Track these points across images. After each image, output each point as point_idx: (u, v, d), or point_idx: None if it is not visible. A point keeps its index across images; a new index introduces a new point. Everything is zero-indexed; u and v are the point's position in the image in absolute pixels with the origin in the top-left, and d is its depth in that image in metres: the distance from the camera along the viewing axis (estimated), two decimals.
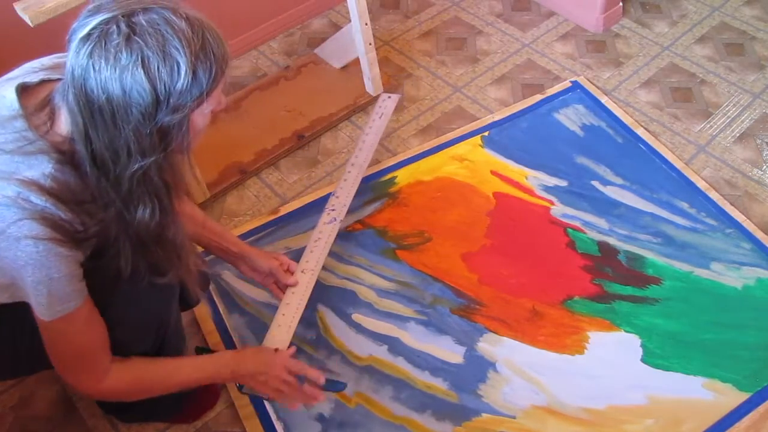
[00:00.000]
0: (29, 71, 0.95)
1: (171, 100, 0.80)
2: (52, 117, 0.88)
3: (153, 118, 0.80)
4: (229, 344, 1.48)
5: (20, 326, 1.00)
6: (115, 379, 1.02)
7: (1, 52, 1.62)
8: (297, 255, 1.64)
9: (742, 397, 1.38)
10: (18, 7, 1.29)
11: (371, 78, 1.97)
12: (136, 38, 0.77)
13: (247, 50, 2.21)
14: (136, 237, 0.91)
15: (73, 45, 0.79)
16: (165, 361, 1.11)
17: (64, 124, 0.88)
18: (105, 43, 0.77)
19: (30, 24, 1.29)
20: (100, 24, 0.78)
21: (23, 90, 0.91)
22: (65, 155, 0.87)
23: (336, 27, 2.27)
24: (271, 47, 2.23)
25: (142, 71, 0.77)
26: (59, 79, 0.90)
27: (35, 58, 0.99)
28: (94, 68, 0.78)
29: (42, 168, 0.86)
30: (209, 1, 2.02)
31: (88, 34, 0.78)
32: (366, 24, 1.84)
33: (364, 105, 2.01)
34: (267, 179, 1.84)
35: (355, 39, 1.90)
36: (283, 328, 1.34)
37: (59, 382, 1.45)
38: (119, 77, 0.77)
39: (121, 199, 0.87)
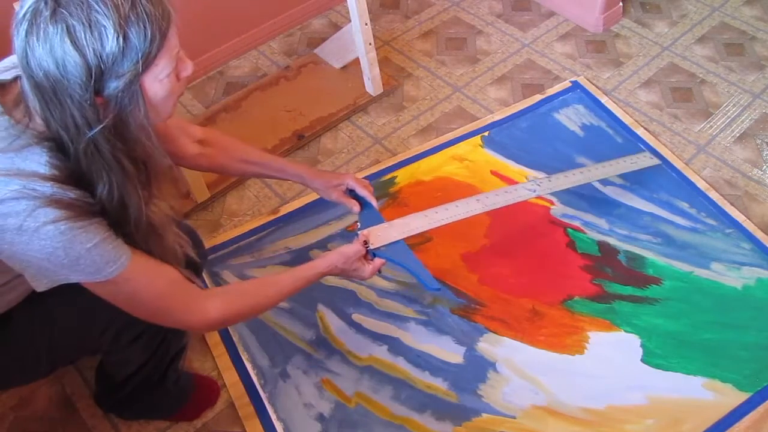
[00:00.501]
0: (2, 69, 0.95)
1: (104, 67, 0.78)
2: (29, 110, 0.88)
3: (90, 87, 0.79)
4: (230, 344, 1.48)
5: (38, 325, 1.00)
6: (216, 310, 1.03)
7: (1, 53, 1.62)
8: (297, 255, 1.64)
9: (742, 397, 1.38)
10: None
11: (371, 78, 1.97)
12: (61, 10, 0.76)
13: (247, 50, 2.21)
14: (110, 214, 0.91)
15: (14, 29, 0.80)
16: (258, 281, 1.15)
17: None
18: (35, 21, 0.77)
19: None
20: (32, 4, 0.78)
21: (0, 88, 0.91)
22: (53, 141, 0.87)
23: (336, 27, 2.27)
24: (271, 47, 2.23)
25: (68, 42, 0.76)
26: None
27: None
28: (29, 47, 0.78)
29: (37, 158, 0.86)
30: (209, 1, 2.03)
31: (23, 15, 0.78)
32: (366, 24, 1.84)
33: (364, 105, 2.01)
34: (267, 179, 1.84)
35: (355, 39, 1.90)
36: (399, 227, 1.32)
37: (59, 382, 1.45)
38: (50, 52, 0.77)
39: (87, 176, 0.87)
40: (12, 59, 0.98)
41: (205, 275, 1.60)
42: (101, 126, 0.82)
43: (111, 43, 0.77)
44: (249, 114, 1.98)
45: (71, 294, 0.93)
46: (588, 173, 1.66)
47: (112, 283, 0.91)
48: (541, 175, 1.80)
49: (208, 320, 1.03)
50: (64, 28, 0.76)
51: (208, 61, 2.11)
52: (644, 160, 1.80)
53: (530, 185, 1.55)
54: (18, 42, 0.79)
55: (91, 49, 0.77)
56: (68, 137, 0.83)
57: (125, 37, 0.78)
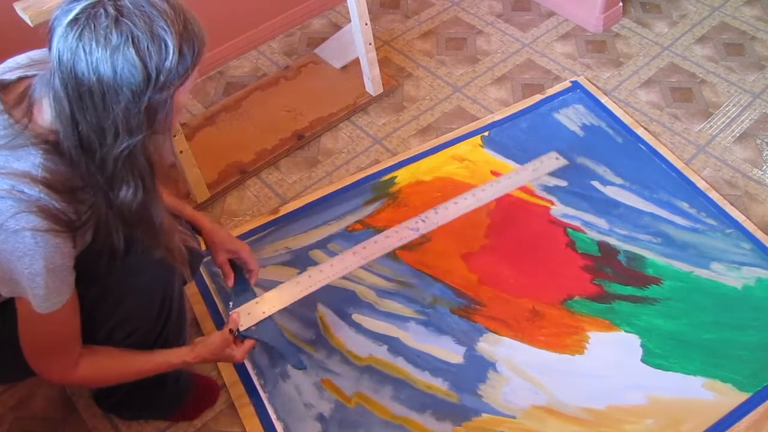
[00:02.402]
0: (5, 70, 0.96)
1: (160, 79, 0.82)
2: (31, 110, 0.90)
3: (142, 96, 0.82)
4: None
5: None
6: (83, 369, 1.03)
7: (1, 53, 1.62)
8: (297, 255, 1.64)
9: (742, 397, 1.38)
10: (18, 7, 1.29)
11: (371, 78, 1.97)
12: (124, 20, 0.79)
13: (247, 50, 2.21)
14: (120, 217, 0.93)
15: (60, 30, 0.80)
16: (127, 353, 1.12)
17: (45, 115, 0.89)
18: (94, 26, 0.79)
19: (30, 24, 1.28)
20: (86, 8, 0.79)
21: (2, 87, 0.92)
22: (51, 145, 0.89)
23: (336, 27, 2.27)
24: (271, 47, 2.23)
25: (133, 50, 0.79)
26: (35, 75, 0.92)
27: (23, 54, 1.00)
28: (84, 50, 0.79)
29: (31, 159, 0.87)
30: (210, 1, 2.03)
31: (76, 18, 0.79)
32: (366, 24, 1.84)
33: (364, 105, 2.01)
34: (267, 179, 1.84)
35: (355, 39, 1.90)
36: (281, 294, 1.35)
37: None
38: (110, 57, 0.79)
39: (106, 180, 0.89)
40: (17, 59, 0.99)
41: (205, 275, 1.60)
42: (145, 133, 0.85)
43: (171, 56, 0.82)
44: (249, 114, 1.98)
45: None
46: (481, 194, 1.59)
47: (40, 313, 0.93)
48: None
49: (71, 378, 1.04)
50: (129, 37, 0.79)
51: (208, 61, 2.11)
52: (549, 163, 1.76)
53: (413, 224, 1.53)
54: (66, 43, 0.80)
55: (152, 61, 0.81)
56: (98, 141, 0.85)
57: (180, 52, 0.83)
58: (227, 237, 1.34)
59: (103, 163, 0.87)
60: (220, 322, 1.52)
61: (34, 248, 0.86)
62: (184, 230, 1.09)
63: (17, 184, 0.85)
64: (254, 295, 1.35)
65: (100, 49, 0.79)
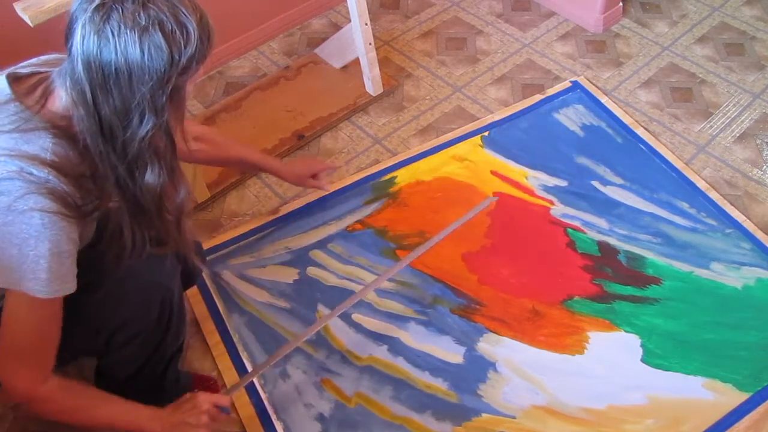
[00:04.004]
0: (19, 66, 0.97)
1: (184, 61, 0.85)
2: (45, 97, 0.91)
3: (168, 78, 0.85)
4: (230, 344, 1.48)
5: None
6: (50, 388, 0.98)
7: (1, 52, 1.62)
8: (297, 255, 1.64)
9: (742, 397, 1.38)
10: (18, 7, 1.29)
11: (371, 78, 1.97)
12: (151, 5, 0.83)
13: (247, 50, 2.21)
14: (136, 206, 0.94)
15: (84, 17, 0.82)
16: (100, 392, 1.08)
17: (59, 102, 0.90)
18: (122, 9, 0.82)
19: (30, 24, 1.29)
20: None
21: (14, 79, 0.93)
22: (61, 130, 0.90)
23: (336, 27, 2.27)
24: (271, 47, 2.23)
25: (161, 34, 0.82)
26: (48, 71, 0.93)
27: (35, 57, 1.00)
28: (112, 32, 0.82)
29: (41, 142, 0.88)
30: (210, 1, 2.03)
31: (102, 3, 0.82)
32: (366, 24, 1.84)
33: (364, 105, 2.01)
34: (267, 179, 1.84)
35: (355, 39, 1.90)
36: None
37: None
38: (139, 39, 0.82)
39: (127, 164, 0.90)
40: (30, 61, 1.00)
41: (205, 276, 1.60)
42: (169, 115, 0.88)
43: (194, 42, 0.85)
44: (249, 114, 1.98)
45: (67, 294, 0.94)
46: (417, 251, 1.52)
47: (35, 302, 0.91)
48: (541, 174, 1.80)
49: (35, 392, 0.98)
50: (156, 21, 0.82)
51: (208, 61, 2.11)
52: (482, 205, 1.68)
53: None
54: (92, 26, 0.82)
55: (178, 45, 0.84)
56: (122, 124, 0.86)
57: (200, 40, 0.87)
58: (302, 165, 1.60)
59: (125, 148, 0.88)
60: (220, 322, 1.52)
61: (41, 230, 0.86)
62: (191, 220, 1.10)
63: (26, 166, 0.86)
64: (252, 378, 1.35)
65: (128, 30, 0.81)
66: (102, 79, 0.84)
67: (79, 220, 0.92)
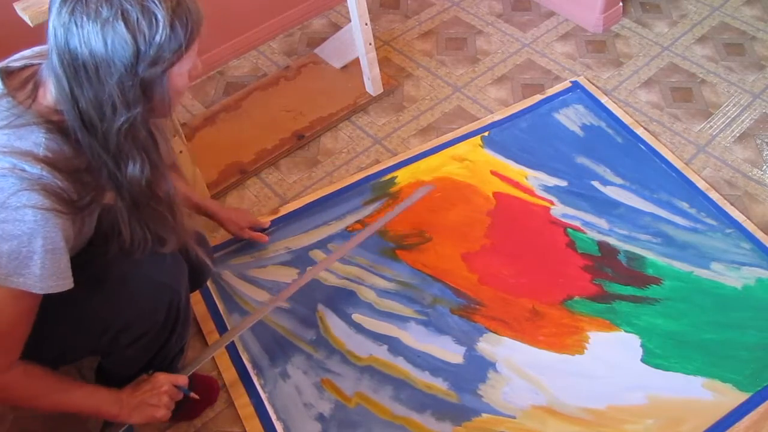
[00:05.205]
0: (11, 60, 0.97)
1: (151, 52, 0.83)
2: (36, 91, 0.91)
3: (135, 69, 0.83)
4: (230, 344, 1.48)
5: (40, 320, 1.00)
6: (14, 374, 0.98)
7: (0, 52, 1.62)
8: (297, 255, 1.64)
9: (742, 397, 1.38)
10: (18, 7, 1.29)
11: (371, 78, 1.97)
12: None
13: (247, 50, 2.21)
14: (129, 198, 0.93)
15: (54, 8, 0.82)
16: (61, 377, 1.07)
17: (49, 95, 0.90)
18: (86, 1, 0.80)
19: (30, 24, 1.28)
20: None
21: (6, 74, 0.93)
22: (54, 124, 0.89)
23: (336, 27, 2.27)
24: (271, 47, 2.23)
25: (122, 23, 0.80)
26: (40, 63, 0.93)
27: (28, 49, 1.00)
28: (76, 24, 0.81)
29: (33, 138, 0.88)
30: (210, 1, 2.02)
31: None
32: (366, 24, 1.84)
33: (364, 105, 2.01)
34: (267, 179, 1.84)
35: (355, 39, 1.90)
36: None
37: None
38: (101, 30, 0.80)
39: (112, 156, 0.89)
40: (23, 53, 0.99)
41: None
42: (140, 108, 0.86)
43: (161, 31, 0.82)
44: (249, 114, 1.98)
45: (72, 292, 0.94)
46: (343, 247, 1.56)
47: (18, 295, 0.90)
48: (541, 174, 1.80)
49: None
50: (119, 11, 0.80)
51: (208, 61, 2.11)
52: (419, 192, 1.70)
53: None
54: (59, 19, 0.81)
55: (142, 34, 0.81)
56: (98, 116, 0.85)
57: (172, 27, 0.83)
58: (239, 214, 1.58)
59: (105, 139, 0.87)
60: (220, 323, 1.52)
61: (34, 226, 0.86)
62: (190, 214, 1.10)
63: (19, 163, 0.86)
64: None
65: (90, 22, 0.80)
66: (74, 72, 0.83)
67: (75, 215, 0.91)
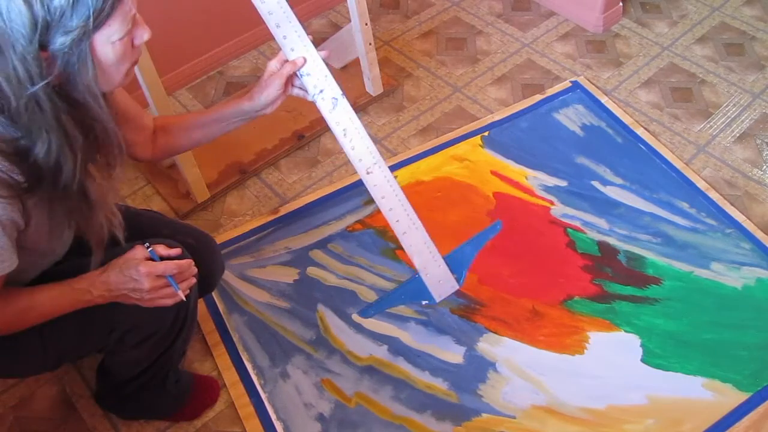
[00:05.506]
0: None
1: (51, 21, 0.77)
2: None
3: (33, 40, 0.77)
4: (230, 344, 1.48)
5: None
6: None
7: None
8: (297, 255, 1.64)
9: (742, 397, 1.38)
10: None
11: (371, 78, 1.97)
12: None
13: (247, 50, 2.21)
14: (46, 185, 0.87)
15: None
16: (30, 290, 1.00)
17: None
18: None
19: None
20: None
21: None
22: None
23: (336, 27, 2.27)
24: (271, 47, 2.23)
25: None
26: None
27: None
28: None
29: None
30: (210, 1, 2.03)
31: None
32: (366, 24, 1.84)
33: (364, 105, 2.01)
34: (267, 179, 1.84)
35: (355, 39, 1.90)
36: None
37: (59, 382, 1.45)
38: None
39: (25, 133, 0.84)
40: None
41: None
42: (43, 82, 0.80)
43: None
44: None
45: None
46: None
47: None
48: (541, 174, 1.80)
49: None
50: None
51: (208, 61, 2.11)
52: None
53: (326, 104, 1.35)
54: None
55: (38, 2, 0.75)
56: (10, 90, 0.80)
57: None
58: (263, 91, 1.30)
59: (18, 115, 0.82)
60: (220, 323, 1.52)
61: None
62: (117, 215, 1.00)
63: None
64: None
65: None
66: None
67: (23, 197, 0.86)
